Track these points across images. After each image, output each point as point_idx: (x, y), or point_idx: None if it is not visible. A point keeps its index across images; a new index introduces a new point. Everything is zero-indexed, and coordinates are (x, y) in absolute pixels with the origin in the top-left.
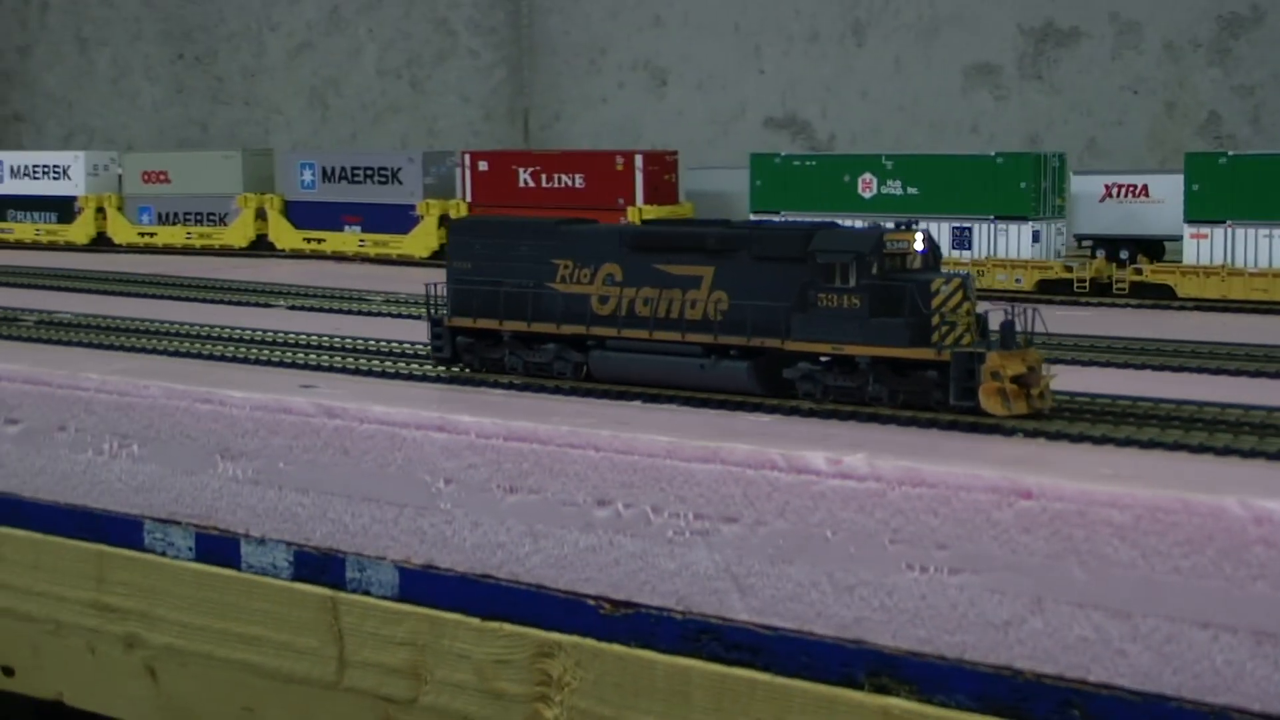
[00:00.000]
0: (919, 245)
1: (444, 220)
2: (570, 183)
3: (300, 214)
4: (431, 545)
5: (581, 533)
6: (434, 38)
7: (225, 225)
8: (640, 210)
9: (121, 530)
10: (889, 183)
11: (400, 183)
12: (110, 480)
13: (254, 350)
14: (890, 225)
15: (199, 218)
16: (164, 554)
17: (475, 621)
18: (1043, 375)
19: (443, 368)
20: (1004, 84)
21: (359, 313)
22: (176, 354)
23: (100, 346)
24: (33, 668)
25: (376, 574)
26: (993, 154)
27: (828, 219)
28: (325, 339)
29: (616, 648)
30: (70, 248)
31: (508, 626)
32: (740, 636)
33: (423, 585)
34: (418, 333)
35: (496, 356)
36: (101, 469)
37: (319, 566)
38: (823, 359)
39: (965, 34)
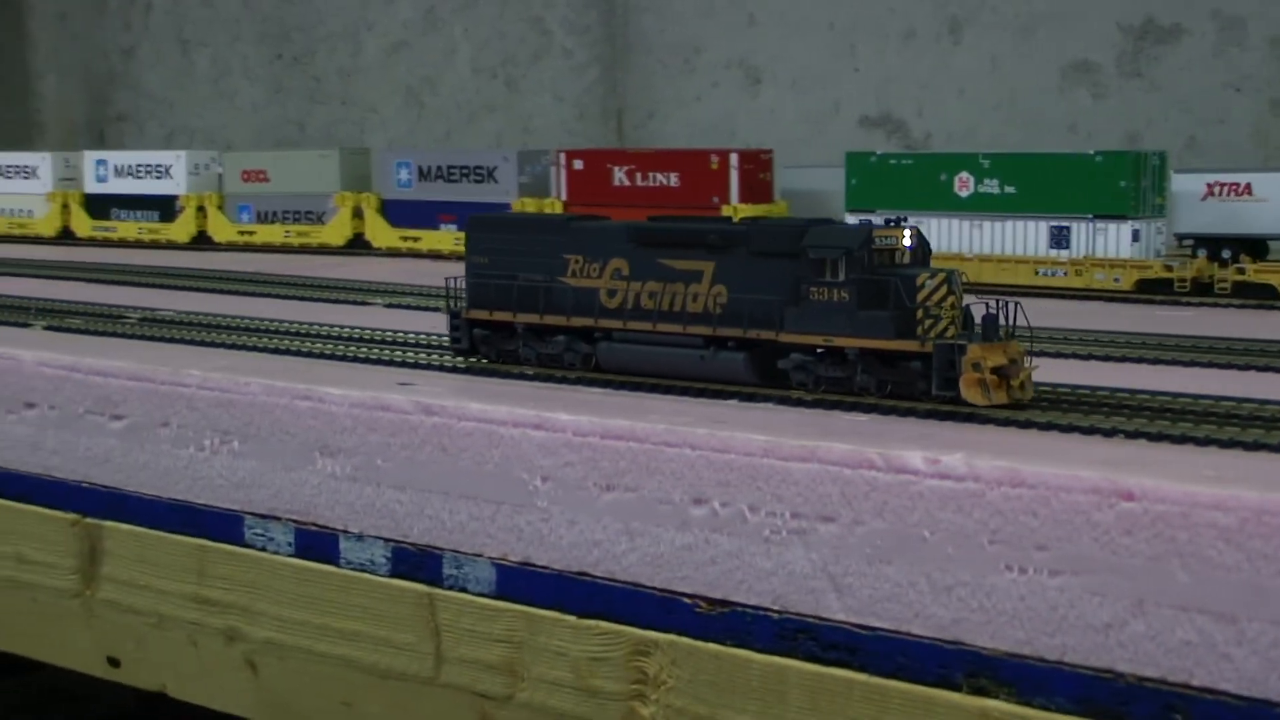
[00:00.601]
0: (907, 241)
1: None
2: (665, 181)
3: (396, 212)
4: (528, 543)
5: (678, 531)
6: (529, 37)
7: (323, 224)
8: (736, 209)
9: (222, 525)
10: (986, 181)
11: (495, 181)
12: (211, 476)
13: (352, 348)
14: (880, 222)
15: (297, 216)
16: (264, 549)
17: (572, 619)
18: (1024, 367)
19: (460, 358)
20: (1103, 82)
21: None
22: (276, 351)
23: (201, 344)
24: (137, 659)
25: (473, 571)
26: (1092, 152)
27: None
28: (422, 337)
29: (712, 646)
30: (171, 246)
31: (604, 624)
32: (837, 636)
33: (519, 582)
34: None
35: (511, 348)
36: (203, 464)
37: (416, 563)
38: (816, 350)
39: (1063, 31)
